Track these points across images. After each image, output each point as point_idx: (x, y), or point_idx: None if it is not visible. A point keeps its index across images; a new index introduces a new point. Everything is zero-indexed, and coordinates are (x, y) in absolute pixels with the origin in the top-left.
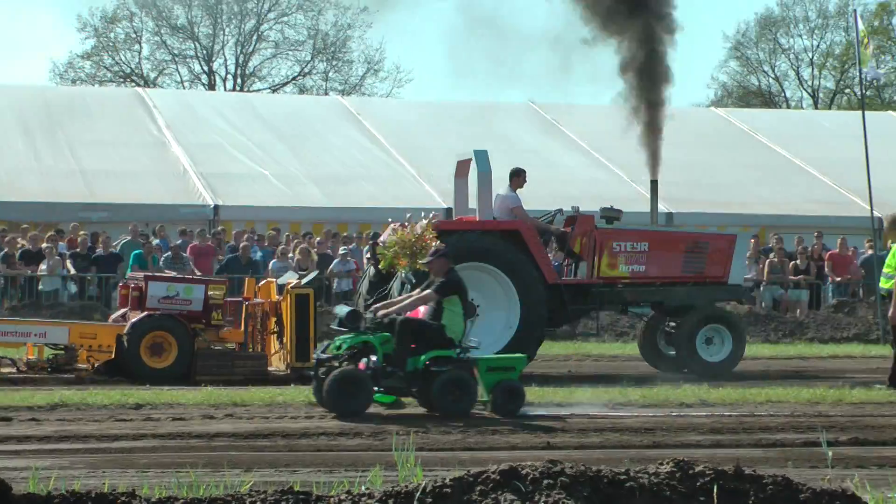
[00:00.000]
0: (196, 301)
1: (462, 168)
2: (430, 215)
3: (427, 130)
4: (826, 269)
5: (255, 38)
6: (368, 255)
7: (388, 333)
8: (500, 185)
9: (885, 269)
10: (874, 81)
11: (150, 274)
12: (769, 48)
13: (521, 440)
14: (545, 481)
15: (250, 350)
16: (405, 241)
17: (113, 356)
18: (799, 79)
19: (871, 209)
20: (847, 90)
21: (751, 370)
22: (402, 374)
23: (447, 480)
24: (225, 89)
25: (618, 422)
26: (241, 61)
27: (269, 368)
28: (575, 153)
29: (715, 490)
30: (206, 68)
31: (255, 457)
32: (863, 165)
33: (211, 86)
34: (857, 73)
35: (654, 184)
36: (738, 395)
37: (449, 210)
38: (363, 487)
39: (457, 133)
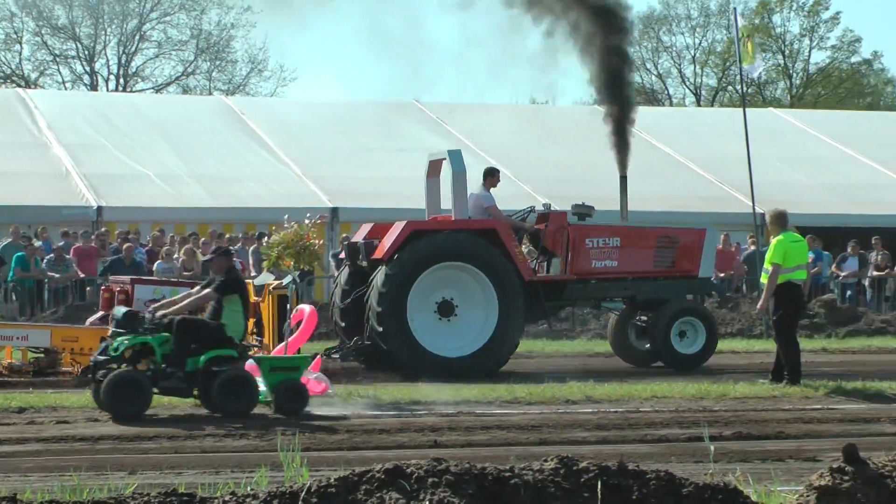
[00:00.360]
0: None
1: (434, 168)
2: (317, 217)
3: (312, 130)
4: None
5: (137, 37)
6: (342, 256)
7: (167, 334)
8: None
9: (765, 265)
10: (755, 78)
11: (136, 277)
12: (652, 46)
13: (408, 439)
14: (430, 479)
15: None
16: (288, 241)
17: None
18: (682, 76)
19: (753, 205)
20: (729, 87)
21: (635, 366)
22: (182, 374)
23: (332, 480)
24: (107, 90)
25: (504, 419)
26: (123, 61)
27: None
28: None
29: (599, 486)
30: (87, 69)
31: (140, 459)
32: (745, 162)
33: (93, 86)
34: (738, 71)
35: (623, 180)
36: (623, 391)
37: (335, 210)
38: (248, 488)
39: (342, 132)
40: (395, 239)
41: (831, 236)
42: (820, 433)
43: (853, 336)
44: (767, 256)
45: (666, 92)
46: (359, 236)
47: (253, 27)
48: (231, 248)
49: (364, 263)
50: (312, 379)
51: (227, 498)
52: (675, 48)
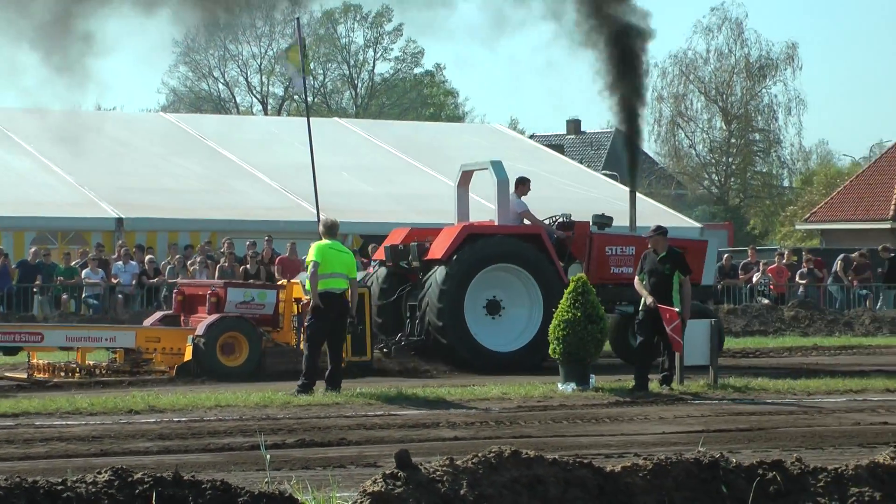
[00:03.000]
0: (269, 305)
1: (465, 177)
2: None
3: None
4: (276, 274)
5: None
6: (376, 256)
7: None
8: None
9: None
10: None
11: (229, 280)
12: (219, 54)
13: None
14: None
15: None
16: None
17: (189, 358)
18: (248, 85)
19: (318, 213)
20: (296, 97)
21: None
22: None
23: None
24: None
25: (65, 431)
26: None
27: None
28: (24, 159)
29: (154, 497)
30: None
31: None
32: (310, 170)
33: None
34: (303, 80)
35: (632, 194)
36: (187, 400)
37: None
38: None
39: None
40: (452, 241)
41: None
42: (381, 439)
43: None
44: (309, 259)
45: (233, 100)
46: (394, 240)
47: None
48: None
49: (415, 264)
50: None
51: None
52: (241, 57)
